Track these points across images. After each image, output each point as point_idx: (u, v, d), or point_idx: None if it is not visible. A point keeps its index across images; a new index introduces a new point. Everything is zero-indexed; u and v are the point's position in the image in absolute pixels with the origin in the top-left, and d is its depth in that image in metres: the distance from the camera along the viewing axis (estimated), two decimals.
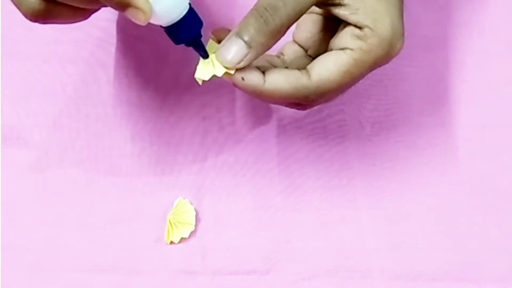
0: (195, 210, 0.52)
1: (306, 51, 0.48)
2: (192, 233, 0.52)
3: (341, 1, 0.43)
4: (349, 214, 0.53)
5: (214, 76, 0.43)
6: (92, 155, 0.54)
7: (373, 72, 0.56)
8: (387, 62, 0.44)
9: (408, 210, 0.53)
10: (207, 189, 0.53)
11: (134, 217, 0.52)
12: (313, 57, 0.45)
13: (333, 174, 0.54)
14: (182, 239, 0.52)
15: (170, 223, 0.52)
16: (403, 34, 0.44)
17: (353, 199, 0.53)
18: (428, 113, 0.56)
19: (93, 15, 0.58)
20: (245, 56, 0.42)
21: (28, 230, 0.52)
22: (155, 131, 0.55)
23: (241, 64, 0.42)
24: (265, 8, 0.42)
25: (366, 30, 0.43)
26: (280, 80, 0.43)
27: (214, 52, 0.44)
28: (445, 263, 0.52)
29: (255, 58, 0.42)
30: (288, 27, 0.42)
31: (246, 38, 0.42)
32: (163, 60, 0.57)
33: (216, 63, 0.44)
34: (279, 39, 0.42)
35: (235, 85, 0.44)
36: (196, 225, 0.52)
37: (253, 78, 0.43)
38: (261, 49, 0.42)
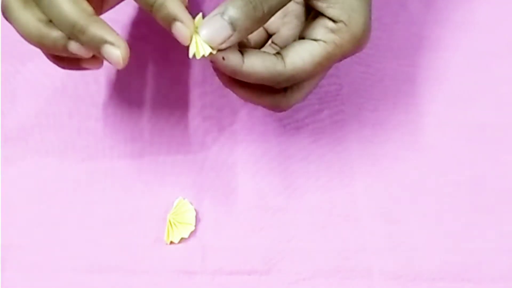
0: (195, 210, 0.52)
1: (268, 33, 0.49)
2: (192, 233, 0.52)
3: None
4: (349, 214, 0.53)
5: (203, 56, 0.43)
6: (92, 155, 0.54)
7: (373, 72, 0.57)
8: (350, 56, 0.45)
9: (408, 210, 0.53)
10: (207, 189, 0.53)
11: (134, 217, 0.52)
12: (273, 41, 0.47)
13: (333, 174, 0.54)
14: (182, 239, 0.52)
15: (170, 223, 0.52)
16: (370, 32, 0.45)
17: (353, 200, 0.53)
18: (429, 114, 0.56)
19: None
20: (229, 37, 0.42)
21: (28, 230, 0.52)
22: (155, 131, 0.55)
23: (223, 46, 0.42)
24: None
25: (340, 25, 0.44)
26: (257, 64, 0.43)
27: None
28: (445, 263, 0.52)
29: (238, 42, 0.42)
30: (272, 16, 0.42)
31: (232, 21, 0.41)
32: (163, 60, 0.57)
33: (203, 43, 0.43)
34: (261, 26, 0.43)
35: (213, 63, 0.44)
36: (196, 225, 0.52)
37: (233, 59, 0.43)
38: (245, 34, 0.42)
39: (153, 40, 0.57)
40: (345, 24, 0.44)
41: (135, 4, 0.58)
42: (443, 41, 0.58)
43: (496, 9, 0.59)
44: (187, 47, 0.43)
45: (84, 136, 0.54)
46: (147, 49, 0.57)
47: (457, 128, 0.55)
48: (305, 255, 0.52)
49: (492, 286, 0.51)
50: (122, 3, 0.58)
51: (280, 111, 0.47)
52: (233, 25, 0.42)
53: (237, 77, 0.44)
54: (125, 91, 0.56)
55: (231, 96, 0.54)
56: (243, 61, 0.43)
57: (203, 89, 0.56)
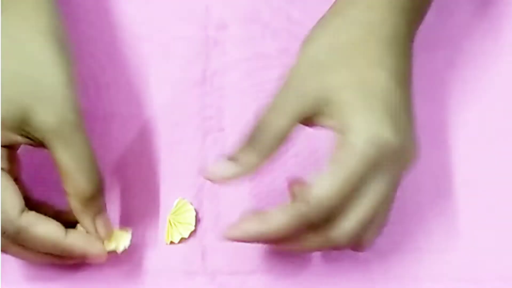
0: (195, 210, 0.52)
1: None
2: (192, 233, 0.52)
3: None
4: None
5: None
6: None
7: None
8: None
9: (408, 210, 0.53)
10: (207, 190, 0.53)
11: (134, 217, 0.52)
12: None
13: None
14: (182, 239, 0.52)
15: (170, 223, 0.52)
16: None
17: None
18: (429, 114, 0.56)
19: (93, 15, 0.58)
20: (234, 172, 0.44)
21: None
22: (156, 131, 0.55)
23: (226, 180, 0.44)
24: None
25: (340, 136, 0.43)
26: (281, 217, 0.43)
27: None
28: (445, 263, 0.52)
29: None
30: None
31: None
32: (163, 60, 0.57)
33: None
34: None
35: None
36: (196, 225, 0.52)
37: (251, 226, 0.44)
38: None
39: (153, 40, 0.57)
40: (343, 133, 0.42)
41: (135, 4, 0.58)
42: (443, 41, 0.58)
43: (496, 9, 0.59)
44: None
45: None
46: (148, 49, 0.57)
47: (457, 128, 0.55)
48: (305, 255, 0.52)
49: (492, 286, 0.51)
50: (122, 3, 0.58)
51: (354, 247, 0.45)
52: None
53: (267, 239, 0.44)
54: (125, 91, 0.56)
55: (231, 96, 0.55)
56: (265, 221, 0.43)
57: (203, 89, 0.56)
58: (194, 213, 0.52)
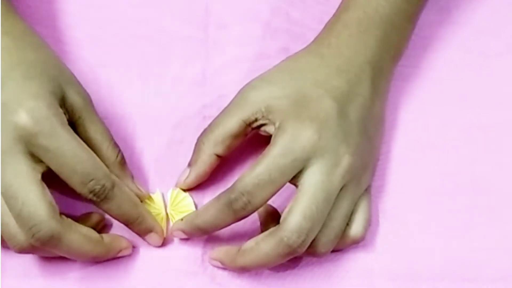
0: (195, 204, 0.52)
1: None
2: None
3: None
4: None
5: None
6: None
7: None
8: None
9: (408, 210, 0.53)
10: (208, 189, 0.53)
11: None
12: None
13: None
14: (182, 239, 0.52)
15: (173, 216, 0.52)
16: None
17: None
18: (429, 114, 0.56)
19: (93, 15, 0.58)
20: None
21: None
22: (156, 131, 0.55)
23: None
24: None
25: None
26: (209, 201, 0.48)
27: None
28: (445, 263, 0.52)
29: None
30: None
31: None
32: (163, 60, 0.57)
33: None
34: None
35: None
36: None
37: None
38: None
39: (154, 40, 0.57)
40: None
41: (134, 4, 0.58)
42: (443, 41, 0.58)
43: (496, 9, 0.59)
44: None
45: None
46: (148, 49, 0.57)
47: (457, 128, 0.55)
48: (305, 255, 0.52)
49: (492, 286, 0.51)
50: (122, 3, 0.58)
51: (294, 251, 0.46)
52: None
53: (197, 225, 0.49)
54: (125, 91, 0.56)
55: (231, 96, 0.55)
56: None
57: (203, 89, 0.56)
58: (191, 199, 0.52)
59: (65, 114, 0.47)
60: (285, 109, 0.48)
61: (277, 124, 0.48)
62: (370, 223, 0.50)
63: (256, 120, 0.49)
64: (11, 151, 0.45)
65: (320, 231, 0.47)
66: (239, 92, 0.51)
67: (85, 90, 0.50)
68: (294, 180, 0.47)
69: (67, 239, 0.46)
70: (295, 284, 0.51)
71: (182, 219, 0.50)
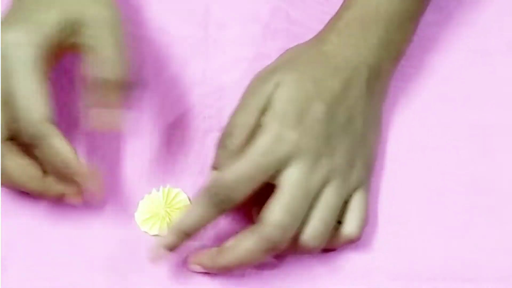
0: (189, 199, 0.53)
1: None
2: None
3: None
4: None
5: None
6: (93, 155, 0.54)
7: None
8: None
9: (408, 210, 0.53)
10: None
11: (134, 217, 0.52)
12: None
13: None
14: None
15: (169, 214, 0.52)
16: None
17: None
18: (429, 114, 0.56)
19: None
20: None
21: (28, 229, 0.52)
22: (156, 131, 0.55)
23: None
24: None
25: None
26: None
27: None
28: (445, 263, 0.52)
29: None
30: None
31: None
32: (164, 59, 0.57)
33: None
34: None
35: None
36: None
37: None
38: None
39: (154, 40, 0.57)
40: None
41: (134, 4, 0.58)
42: (443, 41, 0.58)
43: (496, 9, 0.59)
44: None
45: (85, 136, 0.54)
46: (148, 49, 0.57)
47: (457, 128, 0.55)
48: (305, 255, 0.52)
49: (492, 286, 0.51)
50: (122, 3, 0.58)
51: (275, 246, 0.47)
52: None
53: (183, 224, 0.48)
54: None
55: (231, 96, 0.55)
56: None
57: (203, 89, 0.56)
58: (185, 194, 0.52)
59: (75, 37, 0.48)
60: (277, 110, 0.48)
61: (264, 121, 0.48)
62: (366, 222, 0.50)
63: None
64: None
65: (305, 223, 0.47)
66: (247, 88, 0.50)
67: (116, 8, 0.50)
68: (273, 178, 0.47)
69: (4, 163, 0.47)
70: (295, 284, 0.51)
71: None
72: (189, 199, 0.53)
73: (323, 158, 0.48)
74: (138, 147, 0.54)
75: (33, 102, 0.46)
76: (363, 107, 0.51)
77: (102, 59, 0.48)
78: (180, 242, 0.49)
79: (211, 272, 0.50)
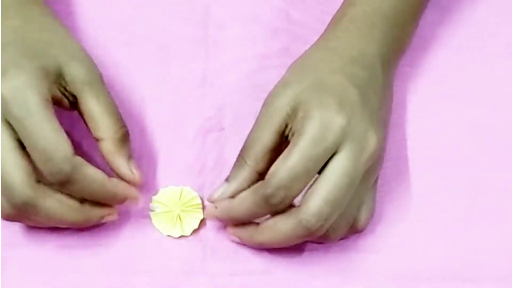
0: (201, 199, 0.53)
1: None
2: (193, 233, 0.52)
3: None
4: None
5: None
6: (93, 156, 0.54)
7: None
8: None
9: (408, 209, 0.53)
10: (208, 189, 0.53)
11: (134, 217, 0.52)
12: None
13: None
14: (186, 235, 0.52)
15: (180, 218, 0.52)
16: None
17: None
18: (428, 114, 0.56)
19: (93, 15, 0.58)
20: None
21: (27, 229, 0.52)
22: (156, 131, 0.55)
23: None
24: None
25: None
26: (244, 192, 0.48)
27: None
28: (445, 263, 0.52)
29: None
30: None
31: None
32: (164, 60, 0.57)
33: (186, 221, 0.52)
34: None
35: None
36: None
37: (223, 204, 0.49)
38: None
39: (155, 40, 0.57)
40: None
41: (134, 4, 0.58)
42: (443, 41, 0.58)
43: (496, 9, 0.59)
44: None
45: (85, 136, 0.54)
46: (149, 49, 0.57)
47: (457, 128, 0.55)
48: (305, 255, 0.52)
49: (492, 286, 0.51)
50: (122, 3, 0.58)
51: (311, 234, 0.46)
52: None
53: (232, 217, 0.49)
54: (126, 91, 0.56)
55: (231, 96, 0.55)
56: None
57: (203, 89, 0.56)
58: (200, 200, 0.52)
59: (64, 88, 0.48)
60: (307, 98, 0.47)
61: (300, 114, 0.47)
62: (373, 215, 0.50)
63: (287, 126, 0.48)
64: None
65: None
66: (264, 104, 0.50)
67: (95, 67, 0.50)
68: (323, 167, 0.47)
69: (42, 205, 0.46)
70: (295, 284, 0.51)
71: (216, 208, 0.49)
72: (202, 205, 0.53)
73: (370, 143, 0.47)
74: (138, 147, 0.54)
75: (59, 141, 0.45)
76: (384, 96, 0.51)
77: (91, 121, 0.49)
78: (227, 223, 0.50)
79: (247, 244, 0.50)
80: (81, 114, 0.49)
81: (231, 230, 0.50)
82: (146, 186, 0.53)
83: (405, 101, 0.56)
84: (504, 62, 0.57)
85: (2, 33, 0.48)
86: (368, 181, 0.49)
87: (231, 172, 0.50)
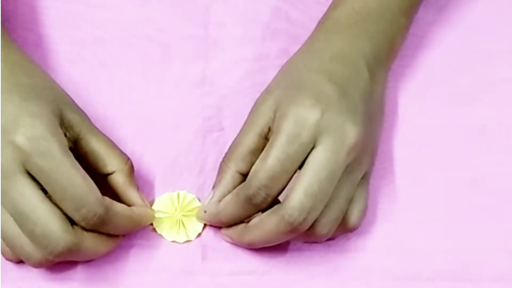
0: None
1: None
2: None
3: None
4: None
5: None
6: None
7: None
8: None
9: (408, 209, 0.53)
10: (208, 190, 0.53)
11: None
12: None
13: None
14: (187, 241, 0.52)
15: (183, 223, 0.52)
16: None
17: None
18: (428, 114, 0.56)
19: (93, 15, 0.58)
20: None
21: None
22: (156, 131, 0.55)
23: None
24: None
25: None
26: (228, 195, 0.49)
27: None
28: (445, 263, 0.52)
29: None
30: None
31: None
32: (164, 60, 0.57)
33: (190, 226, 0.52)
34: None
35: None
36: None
37: (210, 207, 0.50)
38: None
39: (154, 40, 0.57)
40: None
41: (134, 4, 0.58)
42: (443, 41, 0.58)
43: (496, 9, 0.59)
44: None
45: None
46: (148, 49, 0.57)
47: (457, 128, 0.55)
48: (305, 255, 0.52)
49: (492, 286, 0.51)
50: (122, 3, 0.58)
51: (296, 228, 0.46)
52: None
53: (220, 220, 0.50)
54: (125, 91, 0.56)
55: (231, 96, 0.55)
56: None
57: (203, 89, 0.56)
58: (199, 202, 0.52)
59: (65, 134, 0.47)
60: (284, 98, 0.48)
61: (277, 114, 0.48)
62: (365, 213, 0.50)
63: (269, 129, 0.49)
64: (12, 172, 0.45)
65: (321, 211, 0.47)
66: (250, 110, 0.51)
67: (81, 109, 0.51)
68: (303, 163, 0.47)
69: (84, 247, 0.46)
70: (294, 284, 0.51)
71: (205, 211, 0.50)
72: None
73: (349, 134, 0.47)
74: (138, 148, 0.54)
75: (88, 186, 0.45)
76: (370, 92, 0.51)
77: (98, 159, 0.50)
78: (218, 225, 0.51)
79: (239, 245, 0.51)
80: (83, 155, 0.49)
81: (223, 231, 0.51)
82: (147, 187, 0.53)
83: (403, 101, 0.56)
84: (505, 62, 0.57)
85: None
86: (354, 174, 0.48)
87: (216, 178, 0.51)
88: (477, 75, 0.57)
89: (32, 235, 0.45)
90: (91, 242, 0.46)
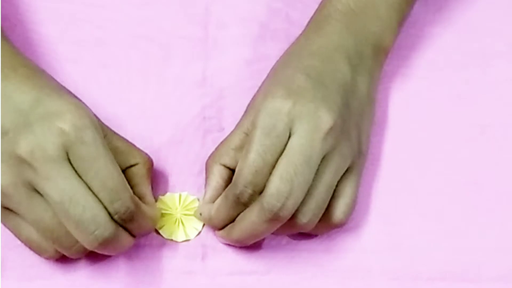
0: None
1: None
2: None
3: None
4: None
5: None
6: None
7: None
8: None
9: (408, 210, 0.53)
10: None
11: None
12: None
13: None
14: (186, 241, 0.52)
15: (182, 222, 0.52)
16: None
17: None
18: (428, 114, 0.56)
19: (93, 15, 0.58)
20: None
21: None
22: (156, 131, 0.55)
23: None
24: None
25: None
26: (218, 199, 0.50)
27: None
28: (445, 263, 0.52)
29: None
30: None
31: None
32: (164, 60, 0.57)
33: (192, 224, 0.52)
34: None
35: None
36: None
37: (204, 208, 0.51)
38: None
39: (154, 40, 0.57)
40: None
41: (135, 4, 0.58)
42: (443, 41, 0.58)
43: (496, 9, 0.59)
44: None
45: None
46: (148, 49, 0.57)
47: (457, 128, 0.56)
48: (305, 255, 0.52)
49: (492, 286, 0.51)
50: (122, 3, 0.58)
51: (277, 216, 0.46)
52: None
53: (214, 223, 0.50)
54: (126, 91, 0.56)
55: (231, 96, 0.55)
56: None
57: (203, 89, 0.56)
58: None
59: None
60: (260, 95, 0.49)
61: (254, 110, 0.48)
62: (352, 209, 0.50)
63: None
64: (57, 158, 0.45)
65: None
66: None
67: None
68: None
69: (120, 239, 0.46)
70: (294, 284, 0.51)
71: (201, 214, 0.51)
72: None
73: (323, 120, 0.47)
74: (139, 147, 0.54)
75: (124, 181, 0.46)
76: (351, 83, 0.51)
77: (121, 154, 0.50)
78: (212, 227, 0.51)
79: (230, 244, 0.51)
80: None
81: (216, 232, 0.51)
82: None
83: (403, 101, 0.56)
84: (505, 62, 0.57)
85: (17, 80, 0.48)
86: (335, 164, 0.48)
87: (207, 175, 0.51)
88: (476, 75, 0.57)
89: (80, 220, 0.44)
90: (122, 236, 0.47)
